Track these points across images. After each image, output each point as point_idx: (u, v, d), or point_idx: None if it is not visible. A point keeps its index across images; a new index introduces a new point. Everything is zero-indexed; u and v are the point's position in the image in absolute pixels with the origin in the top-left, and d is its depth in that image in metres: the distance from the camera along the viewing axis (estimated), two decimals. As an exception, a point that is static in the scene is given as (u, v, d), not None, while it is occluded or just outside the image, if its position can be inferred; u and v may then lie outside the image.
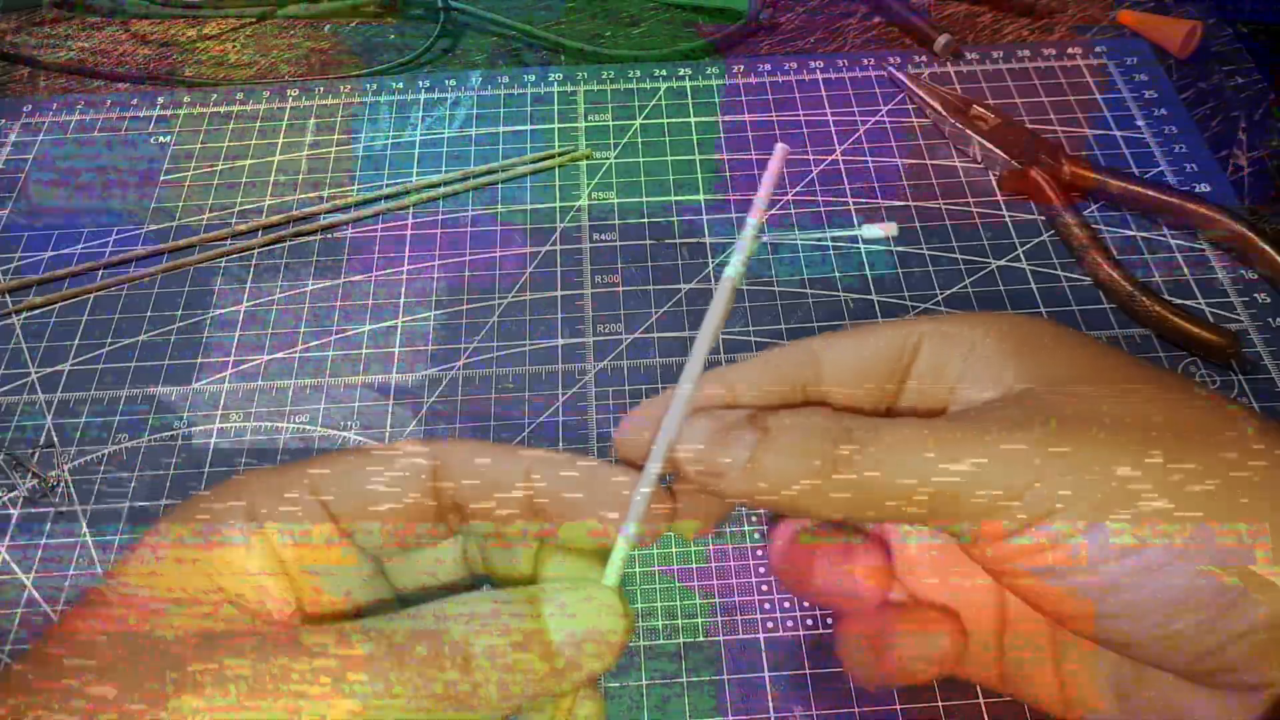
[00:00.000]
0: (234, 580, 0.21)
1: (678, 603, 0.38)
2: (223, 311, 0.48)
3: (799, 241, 0.50)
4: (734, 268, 0.23)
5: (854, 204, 0.51)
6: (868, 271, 0.48)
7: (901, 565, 0.27)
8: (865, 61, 0.58)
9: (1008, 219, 0.50)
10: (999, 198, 0.51)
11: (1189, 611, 0.20)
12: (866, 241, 0.24)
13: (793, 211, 0.51)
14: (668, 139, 0.55)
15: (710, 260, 0.49)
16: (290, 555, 0.22)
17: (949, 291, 0.47)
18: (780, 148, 0.23)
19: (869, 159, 0.53)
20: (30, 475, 0.42)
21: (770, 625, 0.38)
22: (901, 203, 0.51)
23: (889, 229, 0.25)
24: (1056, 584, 0.21)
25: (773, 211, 0.51)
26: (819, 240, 0.50)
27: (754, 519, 0.41)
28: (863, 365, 0.25)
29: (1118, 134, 0.54)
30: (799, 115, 0.56)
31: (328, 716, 0.19)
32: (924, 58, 0.58)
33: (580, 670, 0.21)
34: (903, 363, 0.25)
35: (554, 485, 0.23)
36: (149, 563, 0.21)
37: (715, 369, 0.24)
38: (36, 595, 0.39)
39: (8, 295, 0.49)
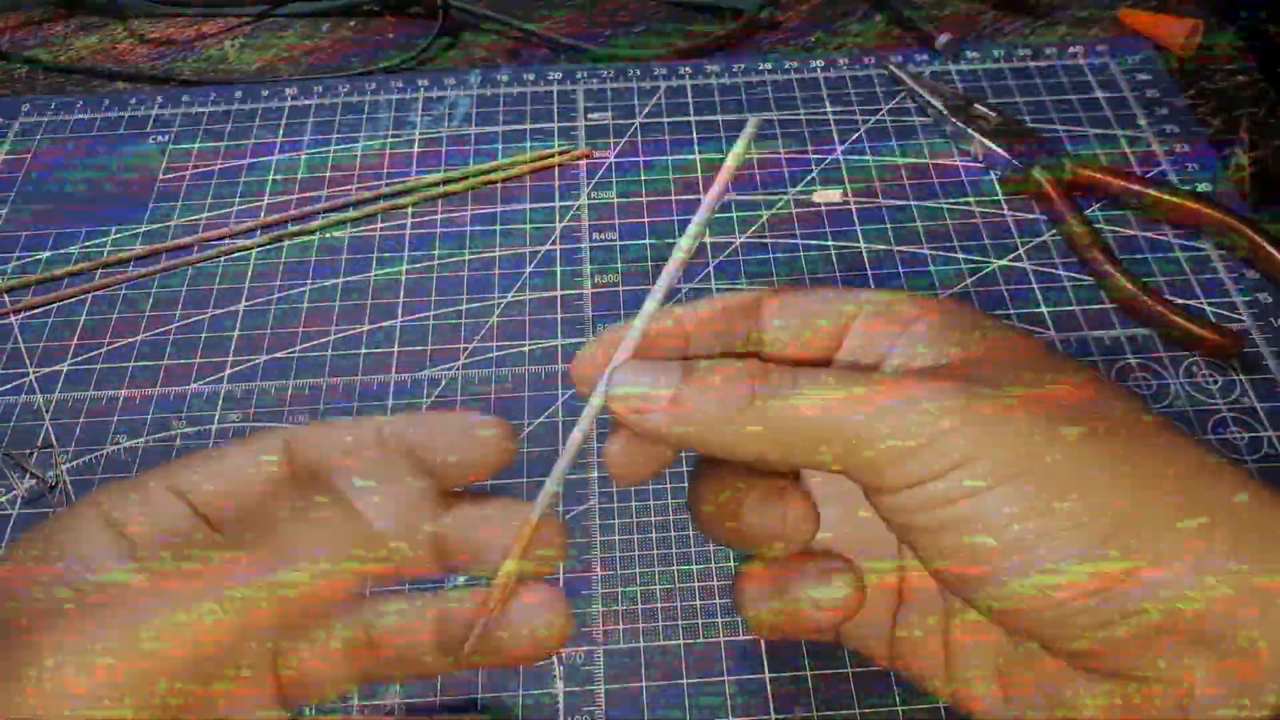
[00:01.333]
0: (93, 585, 0.21)
1: (678, 603, 0.38)
2: (221, 311, 0.48)
3: (799, 240, 0.49)
4: (688, 237, 0.24)
5: (854, 204, 0.51)
6: (868, 271, 0.48)
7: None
8: (866, 60, 0.58)
9: (1009, 218, 0.50)
10: (1000, 197, 0.51)
11: (1081, 583, 0.21)
12: (824, 203, 0.25)
13: (793, 211, 0.51)
14: (668, 139, 0.55)
15: (710, 260, 0.49)
16: (155, 553, 0.22)
17: (949, 291, 0.47)
18: (753, 120, 0.24)
19: (870, 158, 0.53)
20: (29, 475, 0.42)
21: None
22: (902, 202, 0.51)
23: (834, 195, 0.26)
24: (953, 540, 0.21)
25: (771, 211, 0.51)
26: (819, 239, 0.50)
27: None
28: (802, 319, 0.25)
29: (1119, 133, 0.54)
30: (799, 114, 0.55)
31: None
32: (925, 56, 0.58)
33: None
34: (840, 326, 0.25)
35: (404, 440, 0.24)
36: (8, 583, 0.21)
37: (667, 307, 0.25)
38: (35, 596, 0.39)
39: (7, 295, 0.49)
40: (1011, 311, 0.46)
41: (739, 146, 0.23)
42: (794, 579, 0.25)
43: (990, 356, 0.23)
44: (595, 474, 0.42)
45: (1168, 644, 0.21)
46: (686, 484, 0.26)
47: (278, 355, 0.46)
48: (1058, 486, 0.21)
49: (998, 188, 0.52)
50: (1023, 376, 0.22)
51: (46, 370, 0.46)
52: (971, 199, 0.51)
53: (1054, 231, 0.49)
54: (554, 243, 0.50)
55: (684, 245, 0.24)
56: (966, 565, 0.22)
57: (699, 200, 0.52)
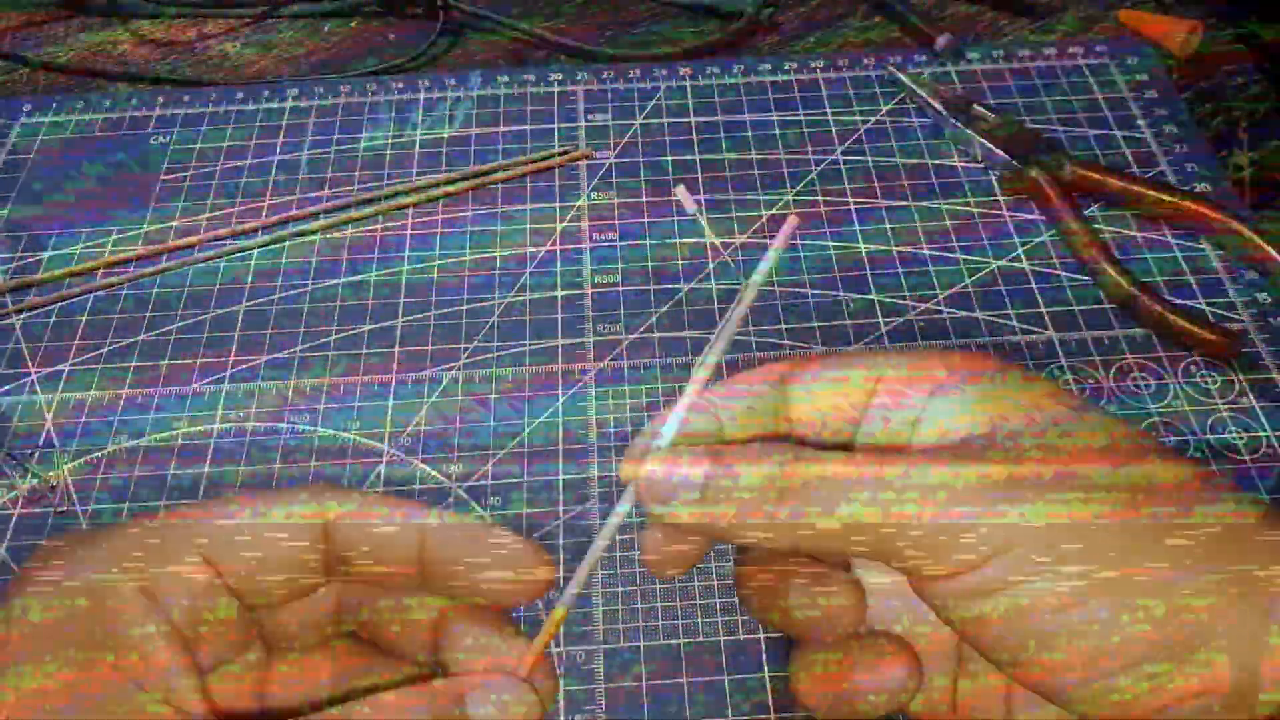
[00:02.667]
0: (137, 664, 0.21)
1: (678, 603, 0.38)
2: (222, 311, 0.48)
3: (798, 242, 0.49)
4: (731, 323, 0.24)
5: (854, 204, 0.51)
6: (868, 271, 0.48)
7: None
8: (865, 61, 0.58)
9: (1008, 219, 0.50)
10: (999, 197, 0.51)
11: (1133, 668, 0.20)
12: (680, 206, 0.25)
13: (793, 211, 0.51)
14: (668, 139, 0.55)
15: (710, 260, 0.49)
16: (184, 621, 0.22)
17: (949, 291, 0.47)
18: (791, 219, 0.23)
19: (869, 158, 0.53)
20: (30, 475, 0.42)
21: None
22: (902, 202, 0.51)
23: (687, 199, 0.26)
24: (1000, 630, 0.21)
25: (773, 211, 0.51)
26: (820, 240, 0.50)
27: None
28: (828, 393, 0.25)
29: (1118, 133, 0.54)
30: (799, 115, 0.56)
31: None
32: (924, 57, 0.58)
33: None
34: (866, 392, 0.25)
35: (444, 547, 0.23)
36: (41, 654, 0.20)
37: (696, 395, 0.25)
38: (36, 595, 0.39)
39: (8, 295, 0.49)
40: (1010, 311, 0.46)
41: (778, 244, 0.23)
42: (849, 665, 0.25)
43: (1024, 420, 0.23)
44: (595, 473, 0.42)
45: (1235, 716, 0.20)
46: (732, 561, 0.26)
47: (278, 355, 0.46)
48: (1102, 573, 0.20)
49: (997, 188, 0.52)
50: (1055, 443, 0.22)
51: (48, 370, 0.46)
52: (971, 199, 0.51)
53: (1053, 232, 0.49)
54: (554, 243, 0.50)
55: (720, 343, 0.24)
56: (1015, 654, 0.21)
57: (699, 202, 0.52)
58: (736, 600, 0.26)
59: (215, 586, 0.22)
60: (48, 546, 0.22)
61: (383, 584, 0.24)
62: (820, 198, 0.51)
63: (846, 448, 0.26)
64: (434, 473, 0.42)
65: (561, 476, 0.42)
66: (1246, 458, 0.41)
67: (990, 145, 0.52)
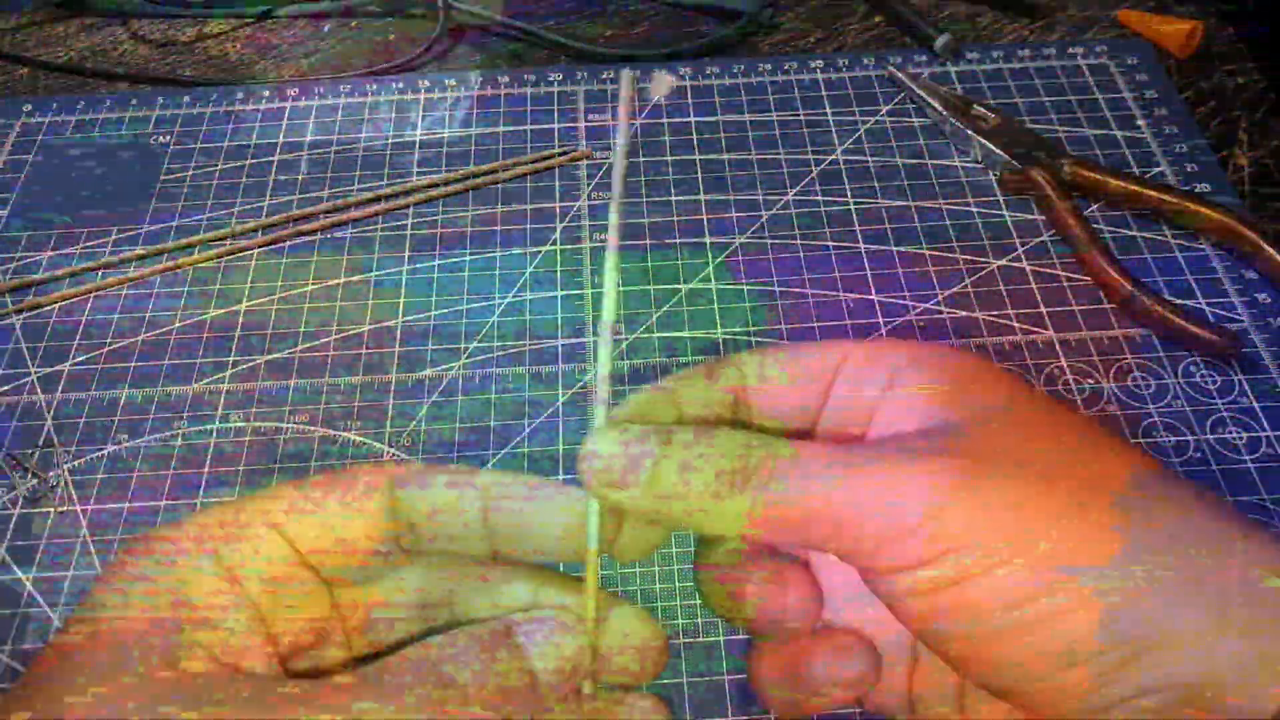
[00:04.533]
0: (209, 632, 0.21)
1: (678, 603, 0.38)
2: (222, 312, 0.48)
3: (799, 243, 0.50)
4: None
5: (854, 204, 0.51)
6: (868, 271, 0.48)
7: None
8: (865, 61, 0.58)
9: (1008, 219, 0.50)
10: (999, 197, 0.51)
11: (1081, 665, 0.20)
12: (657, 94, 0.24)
13: (793, 212, 0.51)
14: (668, 139, 0.55)
15: (710, 260, 0.49)
16: (258, 593, 0.22)
17: (949, 291, 0.47)
18: (625, 73, 0.23)
19: (869, 159, 0.53)
20: (30, 475, 0.42)
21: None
22: (902, 202, 0.51)
23: (663, 86, 0.25)
24: (948, 625, 0.21)
25: (771, 212, 0.51)
26: (819, 239, 0.50)
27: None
28: (786, 381, 0.25)
29: (1118, 133, 0.54)
30: (799, 115, 0.56)
31: None
32: (924, 57, 0.58)
33: (558, 690, 0.22)
34: (825, 381, 0.25)
35: (506, 505, 0.23)
36: (116, 625, 0.21)
37: (658, 382, 0.25)
38: (36, 595, 0.39)
39: (9, 295, 0.49)
40: (1010, 311, 0.46)
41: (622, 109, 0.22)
42: (807, 659, 0.25)
43: (980, 412, 0.22)
44: (595, 474, 0.42)
45: (1188, 714, 0.20)
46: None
47: (278, 355, 0.46)
48: (1053, 570, 0.20)
49: (997, 188, 0.52)
50: (1014, 440, 0.22)
51: (48, 370, 0.46)
52: (971, 199, 0.51)
53: (1053, 232, 0.49)
54: (554, 243, 0.50)
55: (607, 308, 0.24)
56: (964, 651, 0.21)
57: (699, 201, 0.52)
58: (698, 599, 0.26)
59: (289, 559, 0.23)
60: (136, 538, 0.22)
61: (450, 550, 0.24)
62: (820, 198, 0.51)
63: (805, 437, 0.25)
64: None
65: (561, 477, 0.42)
66: (1246, 458, 0.41)
67: (990, 145, 0.52)
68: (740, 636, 0.37)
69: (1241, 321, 0.46)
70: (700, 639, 0.37)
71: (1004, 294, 0.47)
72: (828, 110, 0.56)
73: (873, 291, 0.48)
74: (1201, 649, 0.19)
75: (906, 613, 0.22)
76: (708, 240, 0.50)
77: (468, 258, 0.50)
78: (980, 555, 0.20)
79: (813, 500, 0.21)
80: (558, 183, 0.53)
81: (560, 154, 0.54)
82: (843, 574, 0.25)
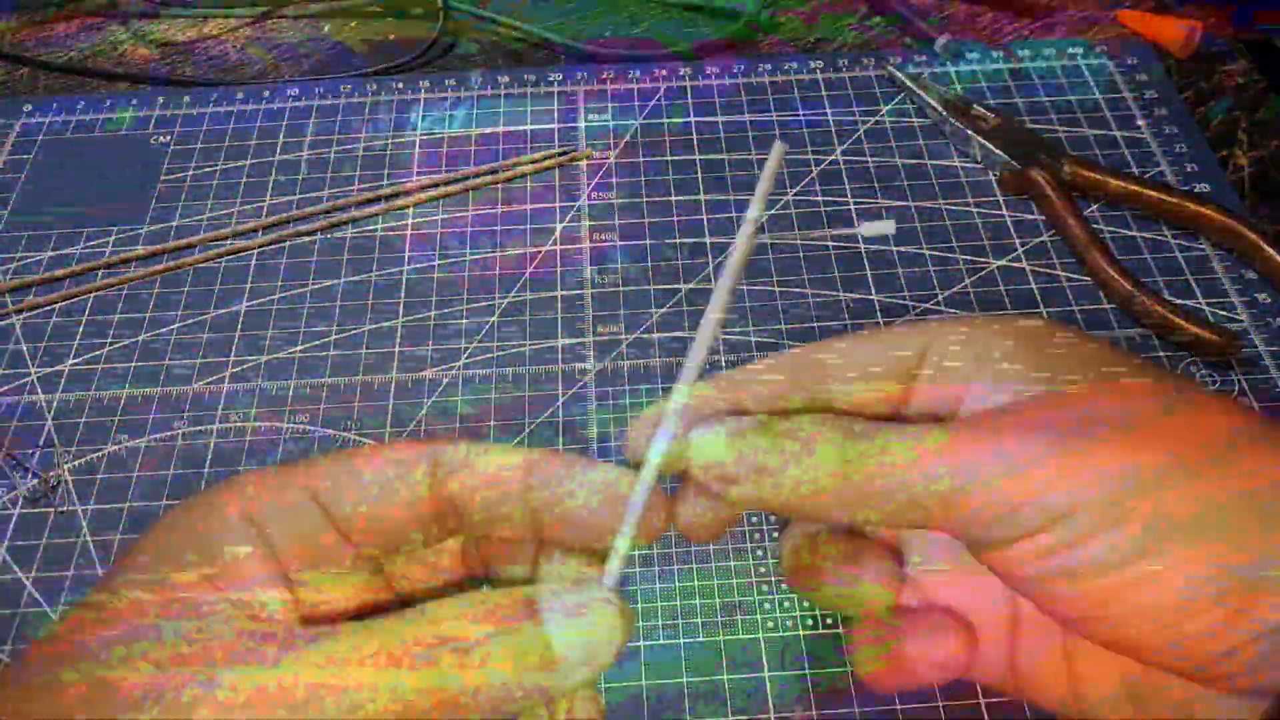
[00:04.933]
0: (234, 587, 0.21)
1: (678, 603, 0.38)
2: (222, 312, 0.48)
3: (799, 242, 0.49)
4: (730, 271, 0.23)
5: (854, 204, 0.51)
6: (868, 271, 0.48)
7: (911, 568, 0.27)
8: (865, 61, 0.58)
9: (1008, 219, 0.50)
10: (999, 197, 0.51)
11: (1200, 614, 0.20)
12: (866, 240, 0.24)
13: (793, 211, 0.51)
14: (668, 139, 0.55)
15: (710, 260, 0.49)
16: (289, 558, 0.22)
17: (949, 291, 0.47)
18: (778, 145, 0.23)
19: (869, 159, 0.53)
20: (30, 475, 0.42)
21: (770, 625, 0.38)
22: (901, 203, 0.51)
23: (888, 226, 0.25)
24: (1067, 589, 0.21)
25: (772, 211, 0.51)
26: (819, 240, 0.50)
27: (754, 519, 0.41)
28: (868, 369, 0.24)
29: (1118, 134, 0.54)
30: (799, 115, 0.56)
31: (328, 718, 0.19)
32: (924, 57, 0.58)
33: (579, 672, 0.21)
34: (909, 366, 0.24)
35: (551, 486, 0.23)
36: (146, 568, 0.21)
37: (719, 373, 0.24)
38: (37, 595, 0.39)
39: (8, 295, 0.49)
40: (1010, 312, 0.46)
41: (767, 176, 0.22)
42: (901, 638, 0.25)
43: (1072, 378, 0.22)
44: (595, 474, 0.42)
45: None
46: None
47: (278, 355, 0.46)
48: (1168, 526, 0.20)
49: (996, 189, 0.52)
50: (1115, 406, 0.22)
51: (48, 370, 0.46)
52: (970, 200, 0.51)
53: (1053, 232, 0.49)
54: (554, 243, 0.50)
55: (718, 302, 0.23)
56: (1083, 611, 0.21)
57: (699, 201, 0.52)
58: (785, 585, 0.26)
59: (322, 524, 0.22)
60: (175, 506, 0.23)
61: (493, 528, 0.24)
62: (820, 198, 0.51)
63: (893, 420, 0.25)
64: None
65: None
66: (1246, 458, 0.41)
67: (990, 145, 0.52)
68: (740, 637, 0.37)
69: (1241, 321, 0.46)
70: (700, 639, 0.37)
71: (1004, 294, 0.47)
72: (828, 110, 0.56)
73: (873, 291, 0.48)
74: None
75: (1021, 581, 0.22)
76: (708, 240, 0.50)
77: (468, 258, 0.50)
78: (1094, 517, 0.20)
79: (925, 477, 0.21)
80: (558, 183, 0.53)
81: (560, 154, 0.54)
82: (938, 546, 0.25)
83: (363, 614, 0.23)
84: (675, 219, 0.51)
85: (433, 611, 0.21)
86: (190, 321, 0.48)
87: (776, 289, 0.48)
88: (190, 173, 0.54)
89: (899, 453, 0.21)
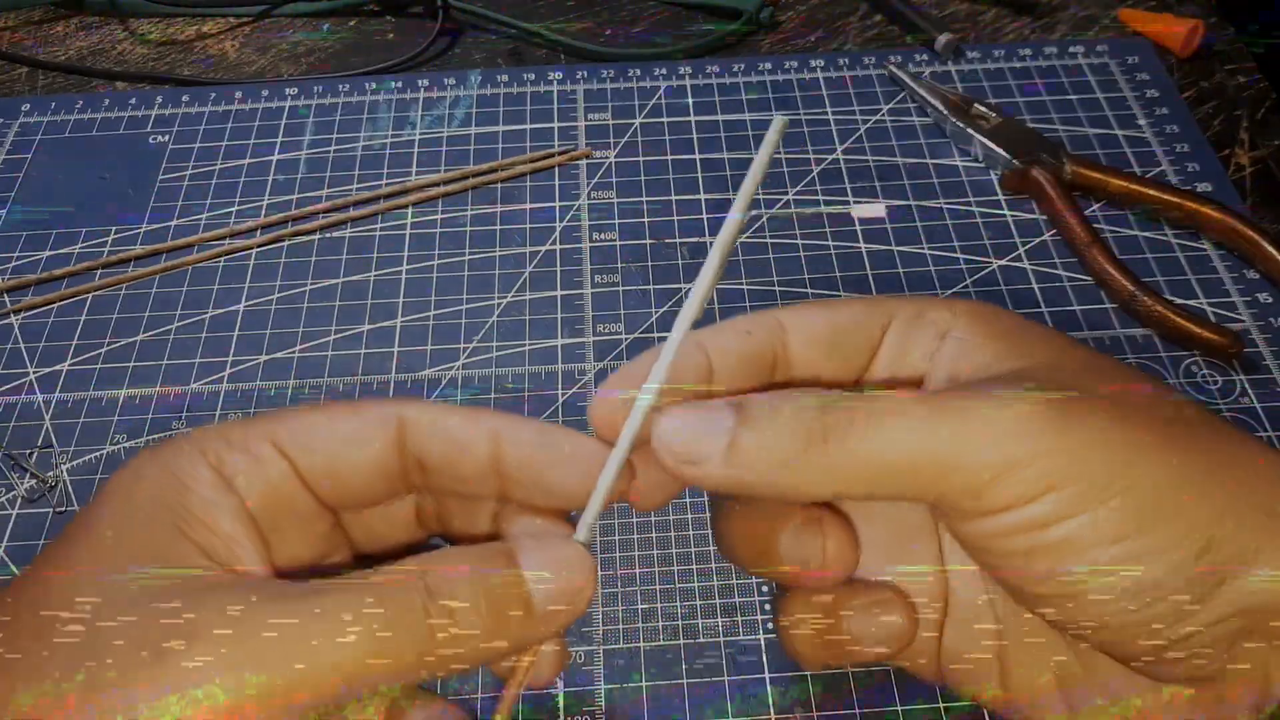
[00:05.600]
0: (203, 533, 0.21)
1: (678, 603, 0.38)
2: (221, 311, 0.48)
3: (799, 241, 0.49)
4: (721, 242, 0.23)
5: (854, 204, 0.51)
6: (868, 271, 0.48)
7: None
8: (866, 60, 0.58)
9: (1009, 218, 0.50)
10: (1000, 197, 0.51)
11: (1174, 597, 0.20)
12: (861, 221, 0.24)
13: (793, 211, 0.51)
14: (668, 139, 0.55)
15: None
16: (258, 510, 0.22)
17: (949, 291, 0.47)
18: (779, 119, 0.22)
19: (870, 158, 0.53)
20: (29, 475, 0.42)
21: (770, 625, 0.38)
22: (902, 202, 0.51)
23: (878, 209, 0.25)
24: (1045, 564, 0.21)
25: (771, 212, 0.51)
26: (819, 239, 0.50)
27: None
28: (832, 338, 0.24)
29: (1119, 133, 0.54)
30: (799, 114, 0.55)
31: (313, 669, 0.19)
32: (925, 56, 0.58)
33: (555, 620, 0.22)
34: (872, 339, 0.24)
35: (518, 448, 0.23)
36: (113, 519, 0.21)
37: (690, 332, 0.24)
38: (35, 596, 0.39)
39: (6, 295, 0.49)
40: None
41: (765, 150, 0.22)
42: (841, 612, 0.24)
43: (1046, 358, 0.22)
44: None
45: (1248, 645, 0.20)
46: (708, 513, 0.25)
47: (278, 355, 0.46)
48: (1152, 506, 0.20)
49: (998, 188, 0.52)
50: (1088, 380, 0.22)
51: (46, 370, 0.46)
52: (971, 199, 0.51)
53: (1054, 231, 0.49)
54: (554, 243, 0.50)
55: (713, 264, 0.22)
56: (1054, 589, 0.21)
57: (699, 201, 0.52)
58: (718, 550, 0.26)
59: (289, 478, 0.23)
60: (146, 448, 0.23)
61: (460, 490, 0.24)
62: (820, 198, 0.51)
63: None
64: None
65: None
66: (1247, 458, 0.41)
67: (990, 145, 0.52)
68: (741, 638, 0.37)
69: (1242, 321, 0.46)
70: (700, 639, 0.37)
71: (1004, 294, 0.47)
72: (828, 110, 0.56)
73: (873, 291, 0.47)
74: (1278, 575, 0.20)
75: (1002, 553, 0.21)
76: (708, 240, 0.50)
77: (468, 258, 0.50)
78: (1081, 490, 0.20)
79: (916, 446, 0.20)
80: (558, 183, 0.53)
81: (560, 154, 0.54)
82: (872, 529, 0.25)
83: (322, 566, 0.24)
84: (675, 219, 0.51)
85: (415, 563, 0.21)
86: (189, 321, 0.48)
87: (777, 289, 0.48)
88: (189, 172, 0.54)
89: (880, 419, 0.21)
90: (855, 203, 0.25)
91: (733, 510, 0.25)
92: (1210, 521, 0.20)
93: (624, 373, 0.23)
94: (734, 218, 0.22)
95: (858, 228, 0.50)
